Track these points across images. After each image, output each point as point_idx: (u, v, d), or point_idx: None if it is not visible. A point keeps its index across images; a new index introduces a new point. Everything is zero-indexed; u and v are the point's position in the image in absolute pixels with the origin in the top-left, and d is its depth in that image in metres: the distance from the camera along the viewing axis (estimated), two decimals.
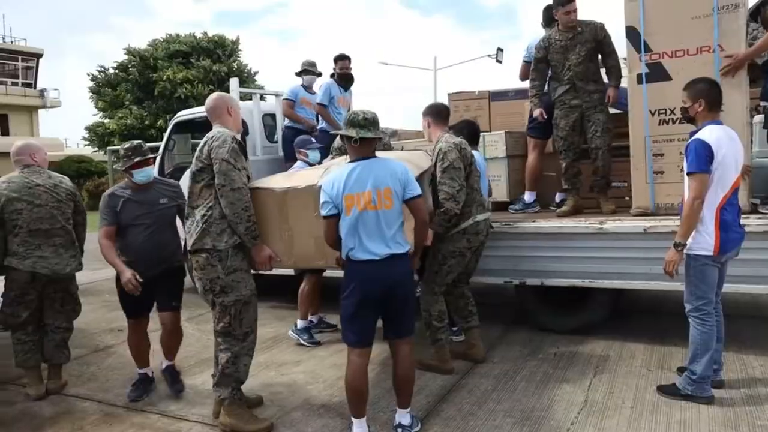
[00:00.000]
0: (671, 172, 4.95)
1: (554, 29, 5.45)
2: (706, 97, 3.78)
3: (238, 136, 3.80)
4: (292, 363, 5.04)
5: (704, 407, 3.76)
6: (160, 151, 8.05)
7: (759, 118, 5.53)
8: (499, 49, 23.40)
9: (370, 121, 3.44)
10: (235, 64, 22.21)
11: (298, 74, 7.39)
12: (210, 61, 22.19)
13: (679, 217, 4.43)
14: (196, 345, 5.64)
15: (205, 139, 3.71)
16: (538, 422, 3.72)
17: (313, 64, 7.39)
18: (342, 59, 7.03)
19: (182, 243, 4.18)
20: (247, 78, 23.43)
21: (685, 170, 3.72)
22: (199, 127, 7.99)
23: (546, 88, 5.61)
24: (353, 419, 3.51)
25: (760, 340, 4.90)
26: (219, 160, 3.56)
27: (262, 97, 8.06)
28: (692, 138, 3.75)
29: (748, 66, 4.70)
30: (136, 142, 4.42)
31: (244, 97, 7.92)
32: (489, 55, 24.69)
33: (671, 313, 5.91)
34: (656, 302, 6.28)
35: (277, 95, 7.80)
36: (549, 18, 5.69)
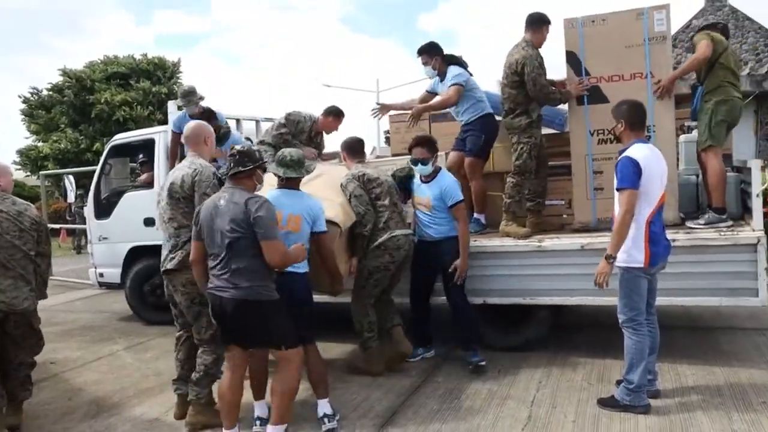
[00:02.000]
0: (610, 188, 5.07)
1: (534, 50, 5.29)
2: (626, 118, 3.98)
3: (213, 169, 4.16)
4: None
5: (642, 417, 3.86)
6: (96, 175, 7.81)
7: (684, 137, 5.81)
8: None
9: (295, 162, 4.00)
10: (176, 86, 21.79)
11: (180, 108, 6.82)
12: (150, 83, 21.73)
13: None
14: (135, 375, 5.44)
15: (184, 170, 4.05)
16: None
17: (189, 93, 6.58)
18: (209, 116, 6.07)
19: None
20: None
21: (615, 186, 3.87)
22: (137, 150, 7.83)
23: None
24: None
25: (693, 350, 5.08)
26: (200, 194, 3.93)
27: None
28: (621, 156, 3.91)
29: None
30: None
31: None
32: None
33: (610, 327, 6.07)
34: (596, 317, 6.43)
35: (239, 120, 7.70)
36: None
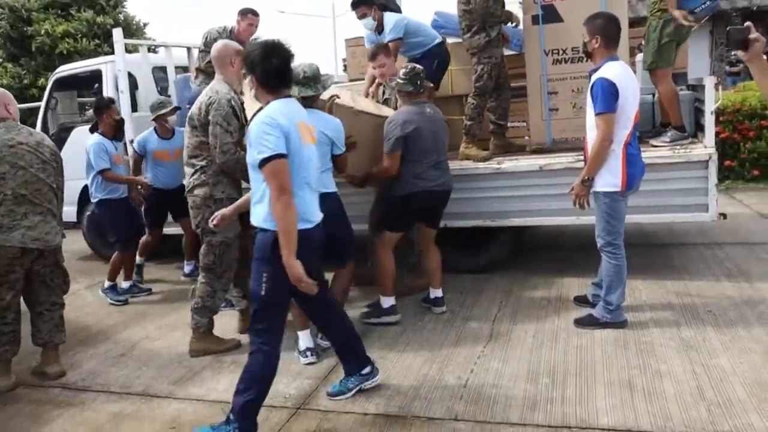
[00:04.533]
0: (565, 109, 5.18)
1: None
2: (602, 33, 3.79)
3: (237, 95, 4.05)
4: None
5: (598, 331, 4.02)
6: (41, 111, 7.48)
7: (640, 56, 5.82)
8: None
9: (310, 78, 3.72)
10: (121, 16, 20.71)
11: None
12: (93, 13, 20.59)
13: (577, 153, 4.66)
14: (99, 313, 5.40)
15: (203, 96, 4.00)
16: (446, 358, 3.85)
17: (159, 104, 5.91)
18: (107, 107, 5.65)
19: None
20: (136, 30, 21.95)
21: (593, 110, 3.75)
22: (84, 83, 7.50)
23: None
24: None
25: (647, 267, 5.26)
26: (213, 123, 3.91)
27: (152, 49, 7.61)
28: (596, 78, 3.74)
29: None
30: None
31: (131, 49, 7.45)
32: (386, 2, 24.38)
33: (569, 247, 6.25)
34: (555, 237, 6.58)
35: (167, 46, 7.39)
36: None
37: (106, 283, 5.72)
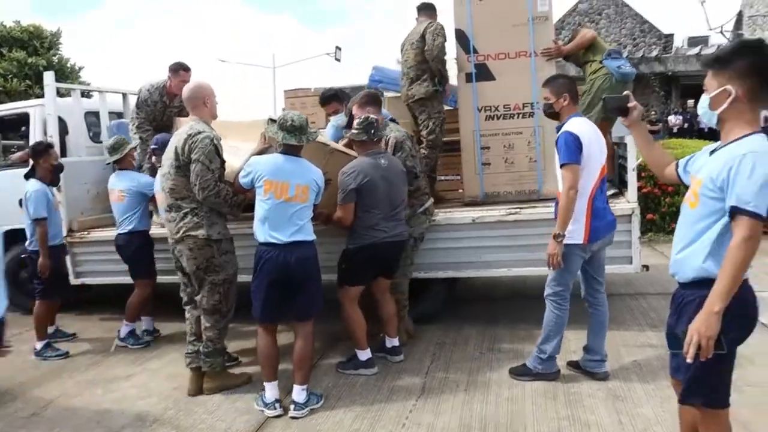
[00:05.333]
0: (497, 163, 5.33)
1: None
2: (569, 92, 3.90)
3: (214, 132, 4.04)
4: (122, 378, 4.70)
5: (528, 383, 4.05)
6: None
7: None
8: (338, 48, 23.72)
9: (297, 128, 3.83)
10: (55, 58, 20.31)
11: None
12: (25, 54, 20.10)
13: (509, 207, 4.78)
14: (9, 368, 5.06)
15: (185, 136, 3.94)
16: (378, 413, 3.78)
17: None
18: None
19: None
20: (70, 73, 21.53)
21: (558, 163, 3.79)
22: (10, 125, 7.22)
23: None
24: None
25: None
26: (195, 161, 3.90)
27: (85, 94, 7.43)
28: (561, 131, 3.80)
29: None
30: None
31: (64, 93, 7.27)
32: (328, 54, 24.86)
33: (500, 299, 6.34)
34: (487, 289, 6.66)
35: (101, 92, 7.23)
36: None
37: (39, 344, 5.31)
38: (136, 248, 5.39)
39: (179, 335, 5.43)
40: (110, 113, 7.12)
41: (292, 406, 3.84)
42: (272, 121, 4.12)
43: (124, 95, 7.42)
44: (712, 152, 2.34)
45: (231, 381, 4.32)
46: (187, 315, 4.38)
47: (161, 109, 5.96)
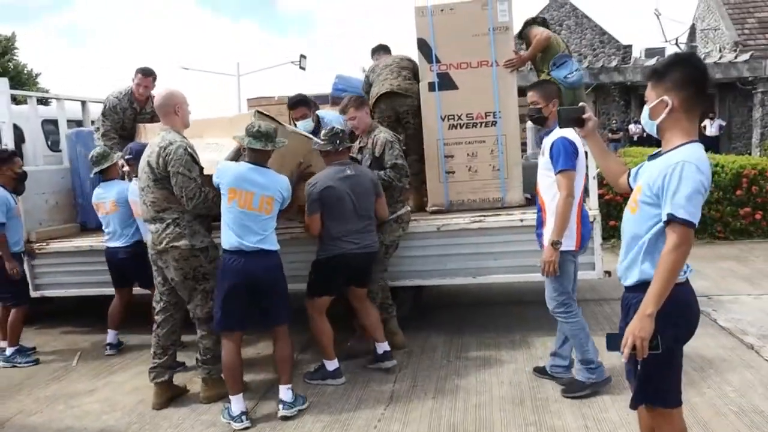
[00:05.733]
0: (461, 172, 5.37)
1: None
2: (559, 98, 3.88)
3: (186, 140, 4.00)
4: (85, 393, 4.58)
5: (496, 388, 4.10)
6: None
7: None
8: (302, 56, 23.51)
9: (263, 134, 3.84)
10: (10, 64, 19.82)
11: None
12: None
13: (475, 214, 4.82)
14: None
15: (157, 149, 3.90)
16: (346, 423, 3.77)
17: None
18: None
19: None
20: (27, 80, 21.04)
21: (550, 171, 3.74)
22: None
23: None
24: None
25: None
26: (174, 174, 3.86)
27: (42, 101, 7.26)
28: (557, 137, 3.69)
29: None
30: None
31: (20, 100, 7.09)
32: (292, 62, 24.70)
33: (468, 305, 6.38)
34: (454, 296, 6.70)
35: (59, 99, 7.08)
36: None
37: (9, 350, 5.30)
38: (142, 258, 5.23)
39: (144, 347, 5.35)
40: (69, 121, 6.98)
41: (280, 406, 3.87)
42: (260, 113, 4.23)
43: (84, 103, 7.29)
44: (650, 158, 2.42)
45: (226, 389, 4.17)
46: (155, 327, 4.28)
47: (131, 116, 5.87)
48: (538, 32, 5.42)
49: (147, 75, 5.85)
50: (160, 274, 4.17)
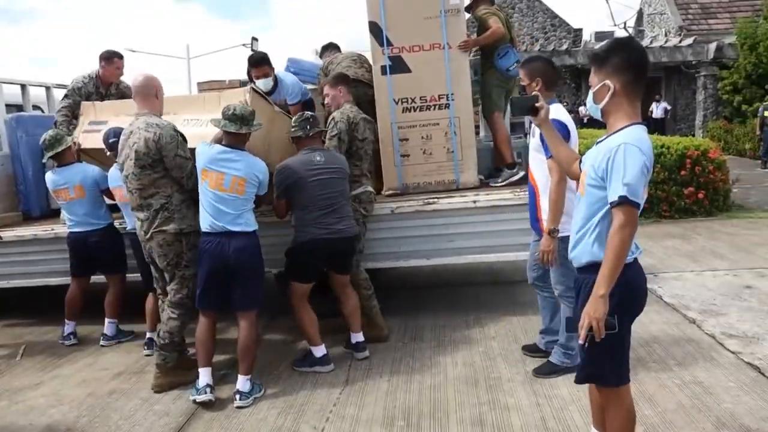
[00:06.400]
0: (416, 155, 5.37)
1: None
2: (543, 76, 3.75)
3: (170, 122, 4.03)
4: (30, 387, 4.43)
5: (450, 368, 4.15)
6: None
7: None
8: (254, 39, 23.05)
9: (238, 117, 3.87)
10: None
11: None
12: None
13: (427, 196, 4.83)
14: None
15: (143, 134, 3.85)
16: (301, 408, 3.76)
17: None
18: None
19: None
20: None
21: (544, 153, 3.59)
22: None
23: None
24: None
25: (495, 304, 5.53)
26: (172, 157, 3.89)
27: None
28: (551, 118, 3.37)
29: None
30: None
31: None
32: (244, 45, 24.21)
33: (421, 288, 6.43)
34: (408, 279, 6.74)
35: None
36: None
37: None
38: (114, 241, 5.11)
39: (92, 339, 5.22)
40: (7, 105, 6.68)
41: (237, 396, 3.85)
42: (254, 91, 4.50)
43: (23, 86, 6.99)
44: (598, 143, 2.47)
45: (182, 378, 4.17)
46: (161, 309, 4.28)
47: (96, 99, 5.69)
48: (496, 25, 5.38)
49: (121, 58, 5.80)
50: (150, 259, 4.20)
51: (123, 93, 5.86)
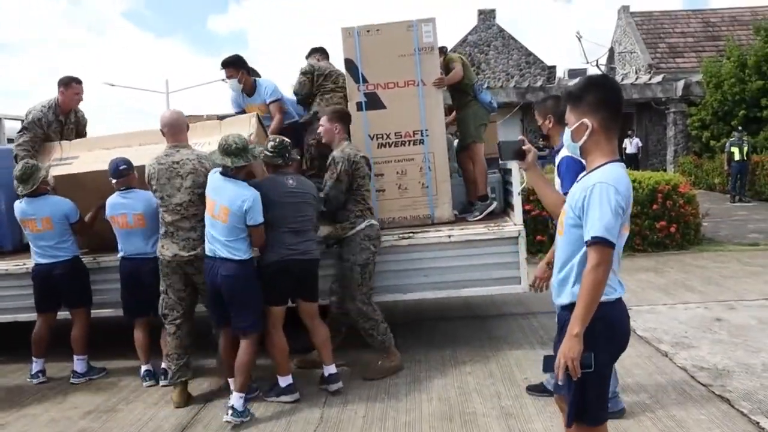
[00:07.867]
0: (391, 190, 5.43)
1: None
2: (553, 112, 3.80)
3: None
4: None
5: (426, 405, 4.13)
6: None
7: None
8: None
9: (241, 149, 4.05)
10: None
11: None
12: None
13: (402, 232, 4.86)
14: None
15: (195, 164, 4.33)
16: None
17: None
18: None
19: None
20: None
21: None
22: None
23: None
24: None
25: (470, 338, 5.54)
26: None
27: None
28: (564, 156, 3.50)
29: None
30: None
31: None
32: (223, 80, 24.33)
33: (398, 323, 6.39)
34: (384, 313, 6.69)
35: None
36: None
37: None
38: (79, 274, 5.05)
39: (63, 377, 5.12)
40: None
41: (229, 411, 3.98)
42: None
43: (0, 120, 6.96)
44: (577, 181, 2.50)
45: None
46: (173, 331, 4.45)
47: (57, 129, 5.66)
48: (457, 69, 5.60)
49: (80, 83, 5.72)
50: (182, 280, 4.41)
51: (79, 121, 5.89)
